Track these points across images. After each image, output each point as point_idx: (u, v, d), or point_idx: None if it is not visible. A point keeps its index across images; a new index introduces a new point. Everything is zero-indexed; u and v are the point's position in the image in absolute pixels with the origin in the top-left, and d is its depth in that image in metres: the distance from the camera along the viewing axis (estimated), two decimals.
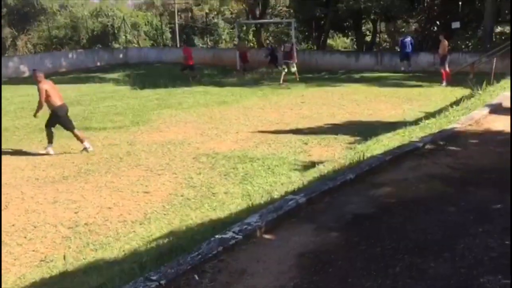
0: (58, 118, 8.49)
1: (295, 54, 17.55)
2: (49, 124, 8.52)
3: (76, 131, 8.62)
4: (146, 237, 5.01)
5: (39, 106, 8.35)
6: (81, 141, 8.54)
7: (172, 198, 6.18)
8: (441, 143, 5.98)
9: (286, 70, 17.09)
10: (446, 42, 15.51)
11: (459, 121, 7.06)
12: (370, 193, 4.42)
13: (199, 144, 8.82)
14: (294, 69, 17.28)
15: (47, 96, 8.25)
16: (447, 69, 15.44)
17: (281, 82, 16.77)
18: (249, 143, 8.73)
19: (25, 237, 5.20)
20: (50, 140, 8.53)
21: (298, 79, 17.29)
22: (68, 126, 8.60)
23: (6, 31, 29.32)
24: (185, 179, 6.89)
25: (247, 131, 9.73)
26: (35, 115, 8.56)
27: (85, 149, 8.50)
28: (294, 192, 4.40)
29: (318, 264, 3.15)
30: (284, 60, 17.25)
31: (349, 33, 27.21)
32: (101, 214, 5.74)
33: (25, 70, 22.62)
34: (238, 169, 7.20)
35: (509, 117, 6.84)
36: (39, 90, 8.23)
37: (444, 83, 15.19)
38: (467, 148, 5.87)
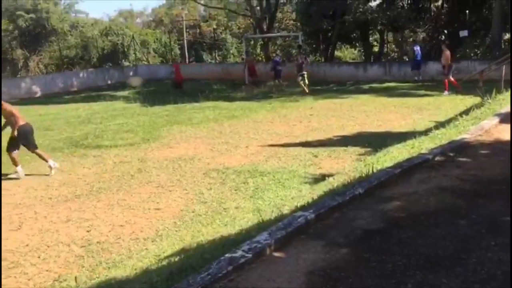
0: (25, 136, 8.46)
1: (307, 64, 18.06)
2: (11, 148, 8.42)
3: (14, 153, 8.46)
4: (158, 254, 5.02)
5: (15, 125, 8.30)
6: (16, 164, 8.43)
7: (183, 214, 6.21)
8: (451, 154, 5.95)
9: (302, 81, 17.41)
10: (448, 52, 15.45)
11: (469, 131, 7.02)
12: (379, 207, 4.39)
13: (209, 159, 8.87)
14: (306, 81, 17.51)
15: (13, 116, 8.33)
16: (451, 78, 15.35)
17: (307, 91, 17.07)
18: (259, 157, 8.76)
19: (39, 257, 5.24)
20: (16, 164, 8.43)
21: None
22: (17, 144, 8.46)
23: (18, 52, 29.93)
24: (196, 195, 6.93)
25: (257, 145, 9.77)
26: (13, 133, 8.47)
27: (16, 172, 8.42)
28: (303, 208, 4.39)
29: (328, 281, 3.13)
30: (300, 73, 17.53)
31: (357, 44, 27.35)
32: (114, 232, 5.78)
33: (37, 91, 23.07)
34: (248, 183, 7.22)
35: None
36: (7, 111, 8.28)
37: (446, 92, 15.12)
38: (477, 159, 5.82)
